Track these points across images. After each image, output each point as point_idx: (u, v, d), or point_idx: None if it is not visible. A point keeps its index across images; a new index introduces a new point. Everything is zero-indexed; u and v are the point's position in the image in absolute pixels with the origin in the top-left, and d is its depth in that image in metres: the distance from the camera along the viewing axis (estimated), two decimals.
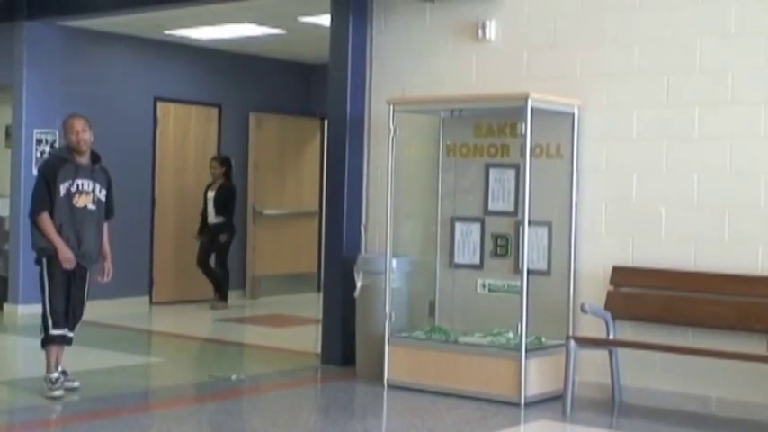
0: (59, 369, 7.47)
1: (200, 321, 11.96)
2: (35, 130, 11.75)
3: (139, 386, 7.97)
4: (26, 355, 9.92)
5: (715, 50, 7.34)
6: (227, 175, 13.10)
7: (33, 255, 7.46)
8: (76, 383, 7.57)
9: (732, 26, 7.28)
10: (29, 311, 11.50)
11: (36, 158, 11.74)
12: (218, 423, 6.97)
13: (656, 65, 7.56)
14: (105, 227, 7.70)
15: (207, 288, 13.01)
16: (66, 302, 7.43)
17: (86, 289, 7.61)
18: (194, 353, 10.24)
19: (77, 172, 7.45)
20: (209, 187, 13.01)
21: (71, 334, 7.50)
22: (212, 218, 12.98)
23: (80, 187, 7.44)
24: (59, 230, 7.34)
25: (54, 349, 7.43)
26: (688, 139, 7.43)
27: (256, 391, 8.02)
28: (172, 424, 6.81)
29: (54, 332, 7.38)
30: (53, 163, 7.56)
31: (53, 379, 7.38)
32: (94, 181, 7.53)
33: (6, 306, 11.83)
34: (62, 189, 7.35)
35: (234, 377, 8.36)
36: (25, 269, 11.66)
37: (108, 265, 7.71)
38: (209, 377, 8.40)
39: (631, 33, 7.67)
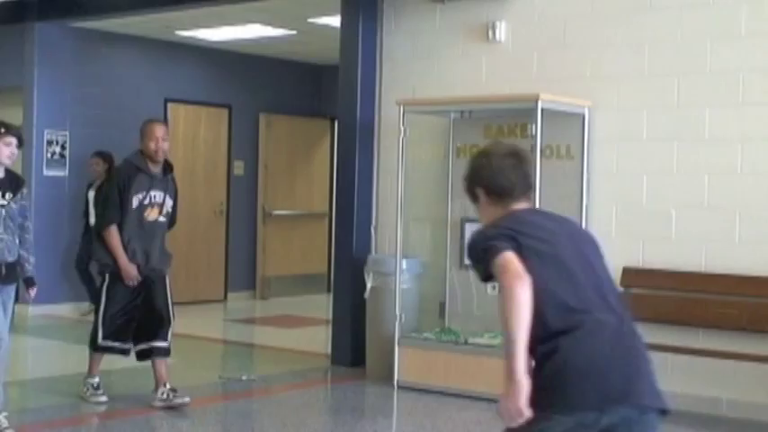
0: (166, 385, 7.08)
1: (210, 322, 11.98)
2: (46, 131, 11.78)
3: (149, 387, 7.97)
4: (36, 356, 9.96)
5: (725, 52, 7.33)
6: (110, 172, 12.80)
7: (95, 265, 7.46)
8: (187, 399, 7.09)
9: (742, 28, 7.27)
10: (39, 312, 11.55)
11: (46, 159, 11.77)
12: (228, 423, 6.99)
13: (667, 66, 7.55)
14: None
15: (218, 289, 13.03)
16: (126, 315, 7.07)
17: (168, 293, 7.20)
18: (204, 353, 10.25)
19: (152, 183, 7.01)
20: (89, 186, 11.47)
21: (127, 345, 7.18)
22: (93, 218, 11.38)
23: (153, 199, 7.01)
24: (126, 245, 6.94)
25: (98, 357, 7.21)
26: (698, 141, 7.42)
27: (266, 391, 8.04)
28: (182, 424, 6.82)
29: (102, 343, 7.09)
30: (127, 172, 7.01)
31: (94, 384, 7.22)
32: (166, 192, 7.09)
33: (17, 306, 11.82)
34: (135, 201, 6.93)
35: (244, 378, 8.37)
36: (36, 270, 11.69)
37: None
38: (219, 378, 8.41)
39: (642, 35, 7.66)
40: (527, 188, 3.64)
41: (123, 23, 11.77)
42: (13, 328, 6.33)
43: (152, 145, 6.96)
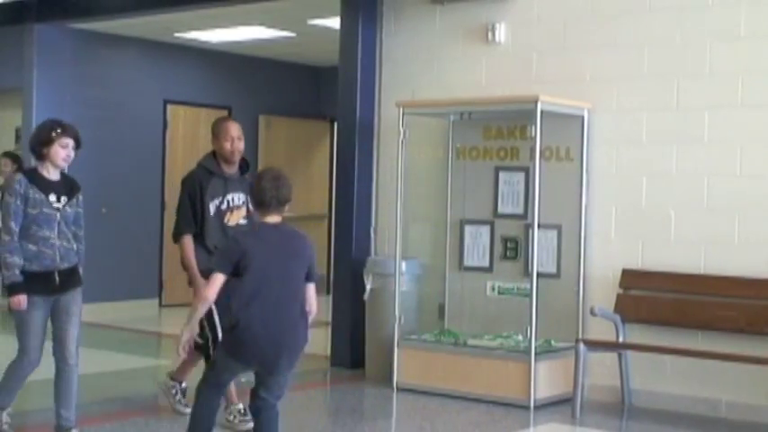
0: (236, 406, 6.64)
1: None
2: None
3: (149, 389, 7.96)
4: None
5: (725, 54, 7.33)
6: (19, 172, 12.48)
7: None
8: (250, 425, 6.11)
9: (742, 30, 7.27)
10: None
11: None
12: (228, 425, 6.98)
13: (666, 68, 7.55)
14: None
15: None
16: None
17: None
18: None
19: (227, 185, 6.54)
20: None
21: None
22: None
23: (231, 203, 6.53)
24: (212, 253, 6.31)
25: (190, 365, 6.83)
26: (698, 143, 7.42)
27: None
28: (182, 427, 6.81)
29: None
30: (199, 178, 6.51)
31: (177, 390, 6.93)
32: (245, 193, 6.52)
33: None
34: (212, 207, 6.45)
35: (243, 380, 8.31)
36: None
37: None
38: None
39: (641, 37, 7.66)
40: (279, 204, 5.07)
41: (123, 25, 11.77)
42: (79, 341, 5.97)
43: (227, 145, 6.51)
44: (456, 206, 8.53)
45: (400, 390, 7.90)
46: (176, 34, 12.32)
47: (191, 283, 6.49)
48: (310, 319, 5.35)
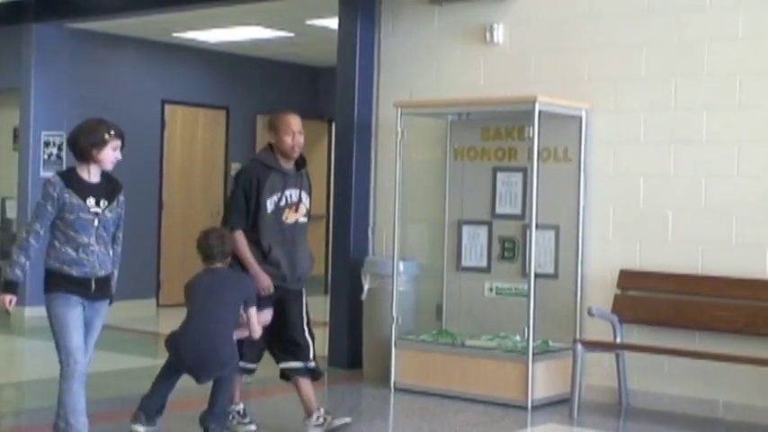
0: (320, 410, 6.47)
1: None
2: (43, 133, 11.78)
3: (146, 388, 7.95)
4: (33, 358, 9.94)
5: (722, 55, 7.33)
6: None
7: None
8: (347, 419, 6.56)
9: (740, 30, 7.27)
10: (36, 314, 11.51)
11: (43, 160, 11.75)
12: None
13: (664, 69, 7.56)
14: None
15: None
16: (267, 332, 6.31)
17: (305, 311, 6.48)
18: None
19: (286, 181, 6.29)
20: None
21: (252, 365, 6.54)
22: None
23: (289, 199, 6.29)
24: (268, 253, 6.18)
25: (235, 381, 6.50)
26: (696, 143, 7.43)
27: (263, 393, 8.02)
28: (179, 426, 6.80)
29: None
30: (256, 173, 6.21)
31: (240, 411, 6.64)
32: (302, 189, 6.40)
33: (13, 308, 11.82)
34: (269, 204, 6.18)
35: (249, 380, 8.35)
36: (33, 271, 11.68)
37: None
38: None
39: (639, 37, 7.67)
40: (223, 257, 6.12)
41: (121, 25, 11.77)
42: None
43: (288, 139, 6.26)
44: (454, 206, 8.52)
45: (398, 390, 7.90)
46: (174, 34, 12.33)
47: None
48: (255, 335, 6.16)
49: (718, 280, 7.25)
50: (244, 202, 6.17)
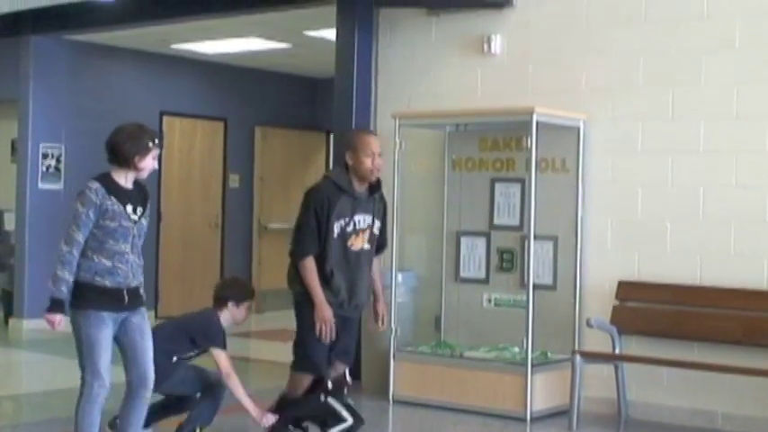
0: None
1: None
2: (41, 144, 11.78)
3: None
4: (31, 370, 9.92)
5: (720, 64, 7.34)
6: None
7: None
8: None
9: (737, 40, 7.28)
10: (34, 326, 11.51)
11: (41, 172, 11.74)
12: None
13: (662, 79, 7.56)
14: (376, 262, 6.33)
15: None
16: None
17: (358, 333, 6.49)
18: None
19: (356, 206, 6.00)
20: None
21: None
22: None
23: (357, 225, 6.01)
24: (330, 278, 5.96)
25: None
26: (693, 153, 7.42)
27: (262, 406, 7.99)
28: None
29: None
30: (328, 193, 5.93)
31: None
32: (373, 215, 6.09)
33: (12, 321, 11.83)
34: (336, 228, 5.92)
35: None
36: (31, 284, 11.70)
37: (382, 307, 6.33)
38: (222, 398, 8.36)
39: (636, 47, 7.67)
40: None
41: (119, 37, 11.78)
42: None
43: (368, 162, 5.94)
44: (452, 218, 8.51)
45: (396, 402, 7.88)
46: (172, 46, 12.34)
47: (299, 304, 6.09)
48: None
49: (716, 290, 7.24)
50: (316, 225, 5.90)
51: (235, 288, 6.36)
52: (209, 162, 13.59)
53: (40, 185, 11.77)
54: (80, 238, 5.16)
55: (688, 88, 7.46)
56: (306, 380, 6.21)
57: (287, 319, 13.10)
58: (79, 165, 11.89)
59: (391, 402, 7.89)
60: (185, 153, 13.32)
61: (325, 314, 5.94)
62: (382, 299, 6.34)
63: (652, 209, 7.58)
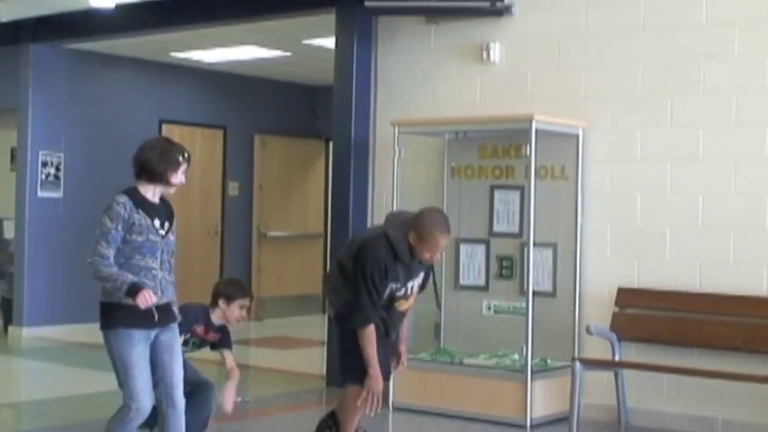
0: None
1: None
2: (40, 152, 11.78)
3: None
4: (30, 378, 9.92)
5: (719, 72, 7.35)
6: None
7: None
8: None
9: (736, 48, 7.29)
10: (33, 334, 11.52)
11: (41, 180, 11.75)
12: None
13: (661, 86, 7.57)
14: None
15: None
16: None
17: None
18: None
19: (409, 274, 5.80)
20: None
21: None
22: None
23: (408, 291, 5.86)
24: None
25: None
26: (692, 161, 7.43)
27: (262, 413, 8.00)
28: None
29: None
30: (385, 261, 5.66)
31: None
32: (420, 277, 5.94)
33: (11, 328, 11.83)
34: (387, 290, 5.75)
35: (239, 399, 8.32)
36: (30, 291, 11.70)
37: (404, 349, 6.21)
38: (213, 399, 8.36)
39: (635, 55, 7.68)
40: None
41: (118, 45, 11.79)
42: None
43: (428, 256, 5.72)
44: (451, 225, 8.47)
45: (396, 409, 7.88)
46: (172, 54, 12.35)
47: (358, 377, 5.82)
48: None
49: (716, 297, 7.25)
50: (375, 293, 5.66)
51: (228, 286, 6.39)
52: (209, 170, 13.59)
53: (40, 194, 11.78)
54: (110, 253, 4.96)
55: (687, 96, 7.47)
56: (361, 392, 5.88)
57: (286, 327, 13.22)
58: (79, 173, 11.92)
59: (391, 409, 7.89)
60: None
61: (377, 387, 5.74)
62: (405, 340, 6.19)
63: (651, 216, 7.59)
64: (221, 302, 6.28)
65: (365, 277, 5.64)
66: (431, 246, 5.69)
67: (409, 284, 5.82)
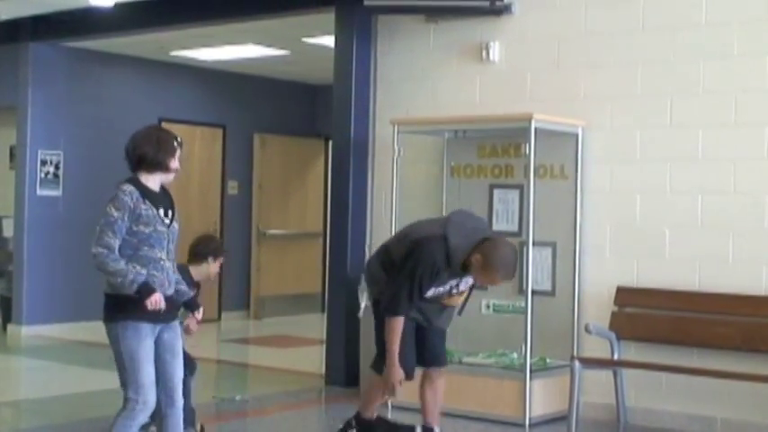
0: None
1: (203, 342, 11.94)
2: (39, 151, 11.78)
3: None
4: (29, 377, 9.92)
5: (718, 72, 7.35)
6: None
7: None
8: None
9: (735, 48, 7.29)
10: (32, 332, 11.52)
11: (40, 179, 11.75)
12: None
13: (660, 86, 7.57)
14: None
15: (211, 308, 13.02)
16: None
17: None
18: (198, 373, 10.20)
19: (455, 278, 5.82)
20: None
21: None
22: None
23: (455, 289, 5.89)
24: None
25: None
26: (692, 160, 7.44)
27: (261, 412, 8.01)
28: None
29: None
30: (439, 264, 5.61)
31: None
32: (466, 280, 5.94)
33: (10, 327, 11.83)
34: (430, 291, 5.77)
35: (238, 398, 8.35)
36: (29, 290, 11.70)
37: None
38: (213, 398, 8.38)
39: (635, 55, 7.69)
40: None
41: (118, 44, 11.79)
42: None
43: (479, 280, 5.81)
44: None
45: (395, 408, 7.87)
46: (171, 53, 12.35)
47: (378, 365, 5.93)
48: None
49: (715, 296, 7.25)
50: (416, 290, 5.64)
51: (213, 243, 6.62)
52: (208, 169, 13.59)
53: (39, 192, 11.78)
54: (116, 244, 4.86)
55: (686, 95, 7.47)
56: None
57: (285, 326, 13.21)
58: (78, 171, 11.92)
59: (390, 408, 7.88)
60: (184, 160, 12.98)
61: (395, 377, 5.78)
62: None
63: (650, 215, 7.59)
64: (210, 260, 6.40)
65: (413, 276, 5.56)
66: (488, 279, 5.68)
67: (461, 285, 5.78)
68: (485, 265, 5.55)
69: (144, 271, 4.90)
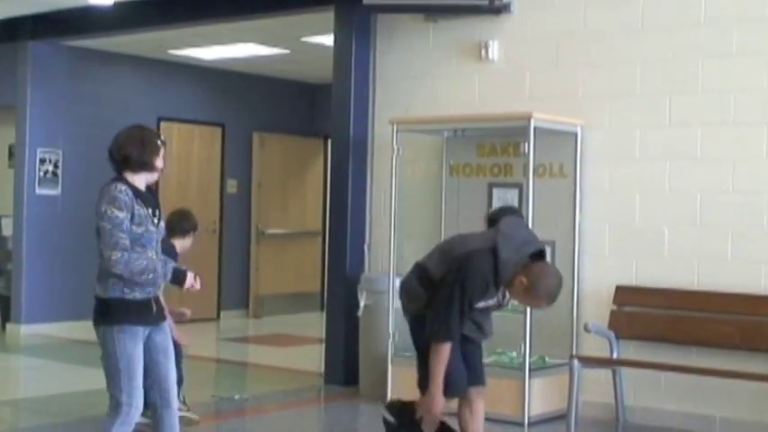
0: None
1: (203, 341, 11.94)
2: (38, 150, 11.78)
3: None
4: (28, 376, 9.92)
5: (717, 71, 7.36)
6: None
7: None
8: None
9: (734, 47, 7.30)
10: (31, 331, 11.52)
11: (39, 177, 11.75)
12: None
13: (659, 85, 7.58)
14: None
15: (211, 307, 13.01)
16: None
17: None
18: (197, 372, 10.20)
19: (502, 298, 5.56)
20: None
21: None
22: None
23: (501, 300, 5.59)
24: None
25: None
26: (691, 159, 7.44)
27: (259, 410, 8.01)
28: None
29: None
30: (487, 278, 5.31)
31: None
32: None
33: (9, 326, 11.83)
34: (480, 304, 5.49)
35: (237, 397, 8.35)
36: (28, 288, 11.70)
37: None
38: (212, 397, 8.38)
39: (634, 54, 7.69)
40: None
41: (116, 42, 11.78)
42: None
43: (517, 299, 5.55)
44: (450, 223, 8.52)
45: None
46: (170, 51, 12.34)
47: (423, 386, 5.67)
48: None
49: (714, 295, 7.25)
50: (463, 310, 5.33)
51: (191, 219, 7.23)
52: (207, 168, 13.59)
53: (38, 191, 11.77)
54: (126, 242, 4.83)
55: (685, 95, 7.47)
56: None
57: (284, 324, 13.20)
58: (77, 170, 11.91)
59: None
60: (183, 159, 13.31)
61: (436, 407, 5.52)
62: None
63: (649, 214, 7.59)
64: (192, 234, 6.98)
65: (464, 291, 5.28)
66: (528, 301, 5.51)
67: (500, 300, 5.52)
68: (528, 290, 5.31)
69: (172, 263, 5.15)
